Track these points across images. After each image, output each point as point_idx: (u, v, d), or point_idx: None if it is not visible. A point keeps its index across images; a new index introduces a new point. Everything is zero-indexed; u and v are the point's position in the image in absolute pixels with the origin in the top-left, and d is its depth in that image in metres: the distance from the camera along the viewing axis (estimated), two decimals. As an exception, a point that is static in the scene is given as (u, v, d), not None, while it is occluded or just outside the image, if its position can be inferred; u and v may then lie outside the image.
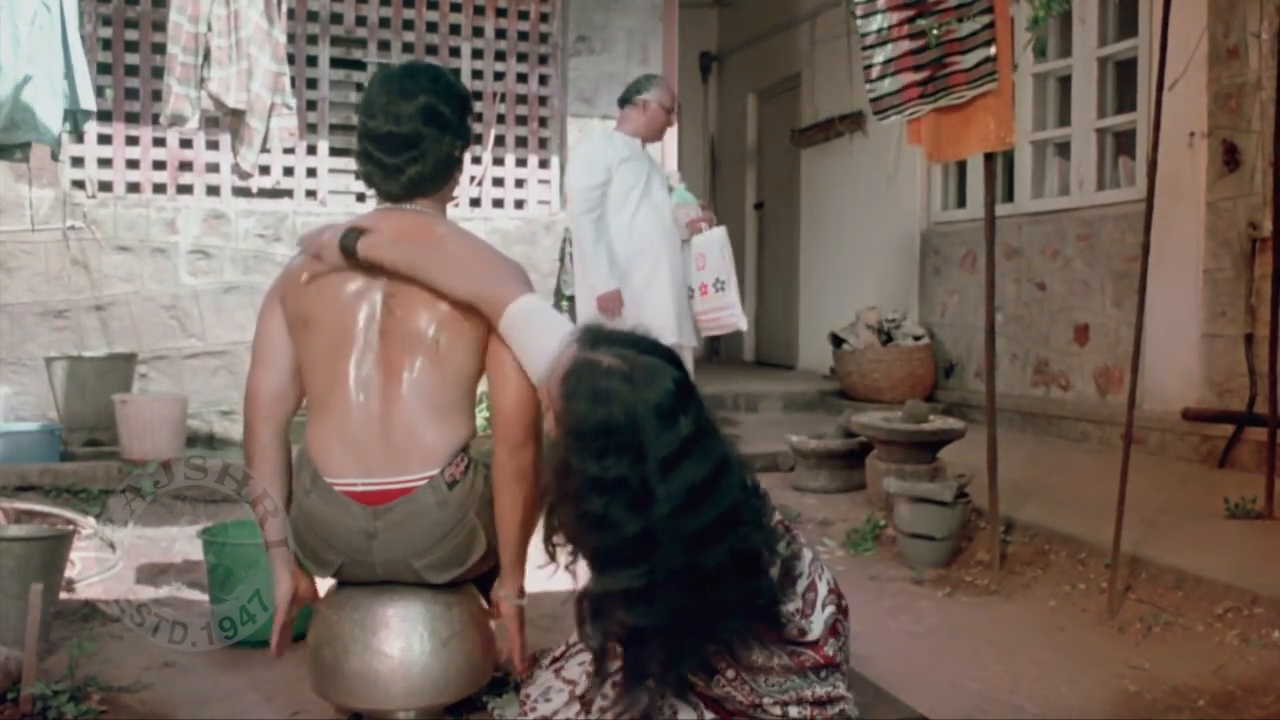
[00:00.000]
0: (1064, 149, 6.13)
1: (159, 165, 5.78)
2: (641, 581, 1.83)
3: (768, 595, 1.95)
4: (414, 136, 2.25)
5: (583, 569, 2.03)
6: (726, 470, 1.91)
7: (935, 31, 3.63)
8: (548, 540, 2.01)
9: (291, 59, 5.51)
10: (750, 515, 1.93)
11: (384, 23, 6.20)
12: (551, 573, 2.05)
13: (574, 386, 1.88)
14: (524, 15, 6.44)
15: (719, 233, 4.94)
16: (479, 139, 6.24)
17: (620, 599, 1.86)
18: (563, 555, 2.01)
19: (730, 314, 4.99)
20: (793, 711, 2.04)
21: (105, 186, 5.69)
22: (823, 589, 2.10)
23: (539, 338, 2.07)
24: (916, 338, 6.76)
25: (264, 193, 5.93)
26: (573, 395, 1.88)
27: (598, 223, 4.77)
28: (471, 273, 2.18)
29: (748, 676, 2.01)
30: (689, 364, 3.72)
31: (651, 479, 1.82)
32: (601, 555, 1.88)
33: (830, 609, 2.10)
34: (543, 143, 6.51)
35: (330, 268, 2.20)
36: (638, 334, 2.00)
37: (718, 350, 9.42)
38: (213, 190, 5.86)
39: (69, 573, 3.34)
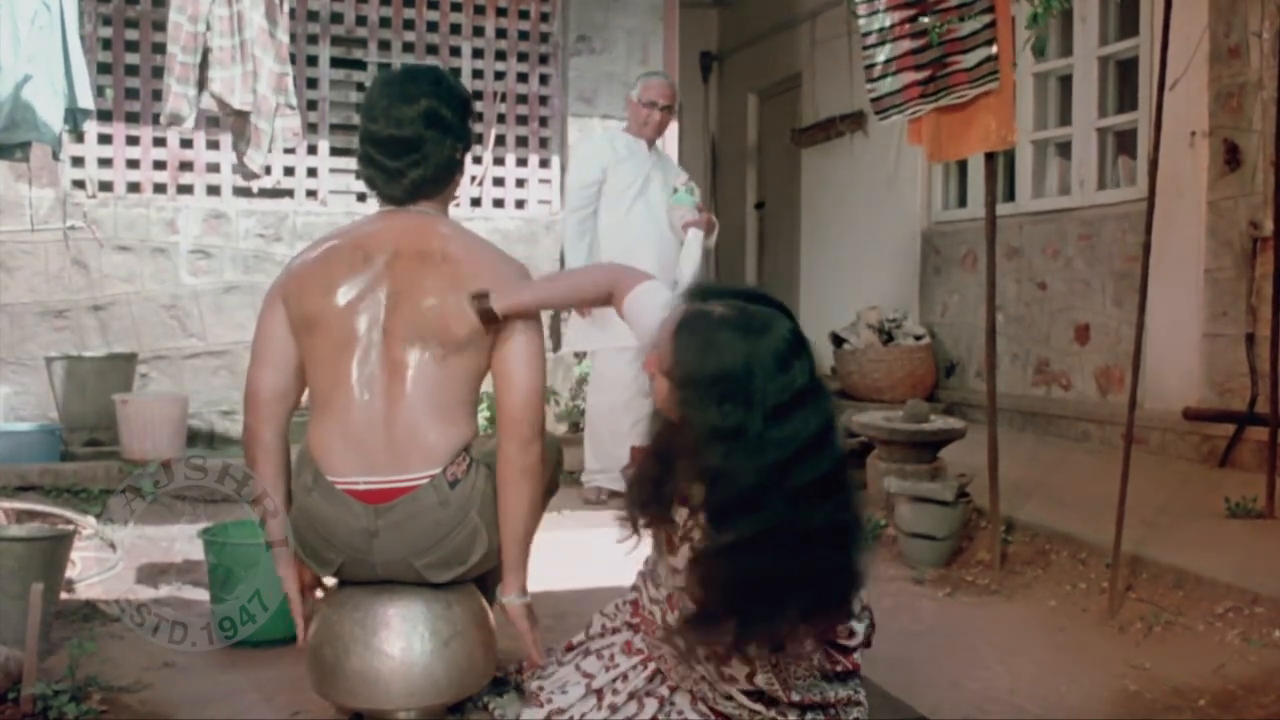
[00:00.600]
0: (1065, 148, 6.13)
1: (159, 165, 5.78)
2: (750, 534, 1.79)
3: (855, 573, 1.89)
4: (415, 140, 2.25)
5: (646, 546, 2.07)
6: (833, 430, 1.86)
7: (938, 29, 3.63)
8: (631, 515, 2.01)
9: (292, 59, 5.50)
10: (849, 483, 1.89)
11: (384, 22, 6.19)
12: (633, 547, 2.05)
13: (688, 338, 1.85)
14: (524, 15, 6.44)
15: (694, 236, 4.92)
16: (479, 139, 6.24)
17: (729, 551, 1.81)
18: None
19: None
20: (809, 717, 2.05)
21: (105, 186, 5.68)
22: (862, 597, 2.12)
23: (658, 313, 2.07)
24: (917, 337, 6.75)
25: (264, 192, 5.92)
26: (687, 346, 1.85)
27: (584, 222, 4.84)
28: (600, 269, 2.41)
29: (785, 661, 1.99)
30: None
31: (766, 426, 1.77)
32: (718, 509, 1.83)
33: (867, 619, 2.12)
34: (543, 142, 6.51)
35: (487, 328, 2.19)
36: (747, 287, 2.00)
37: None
38: (213, 190, 5.85)
39: (69, 573, 3.34)
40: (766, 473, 1.77)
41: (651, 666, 2.14)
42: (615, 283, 2.26)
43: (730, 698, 2.05)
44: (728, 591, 1.83)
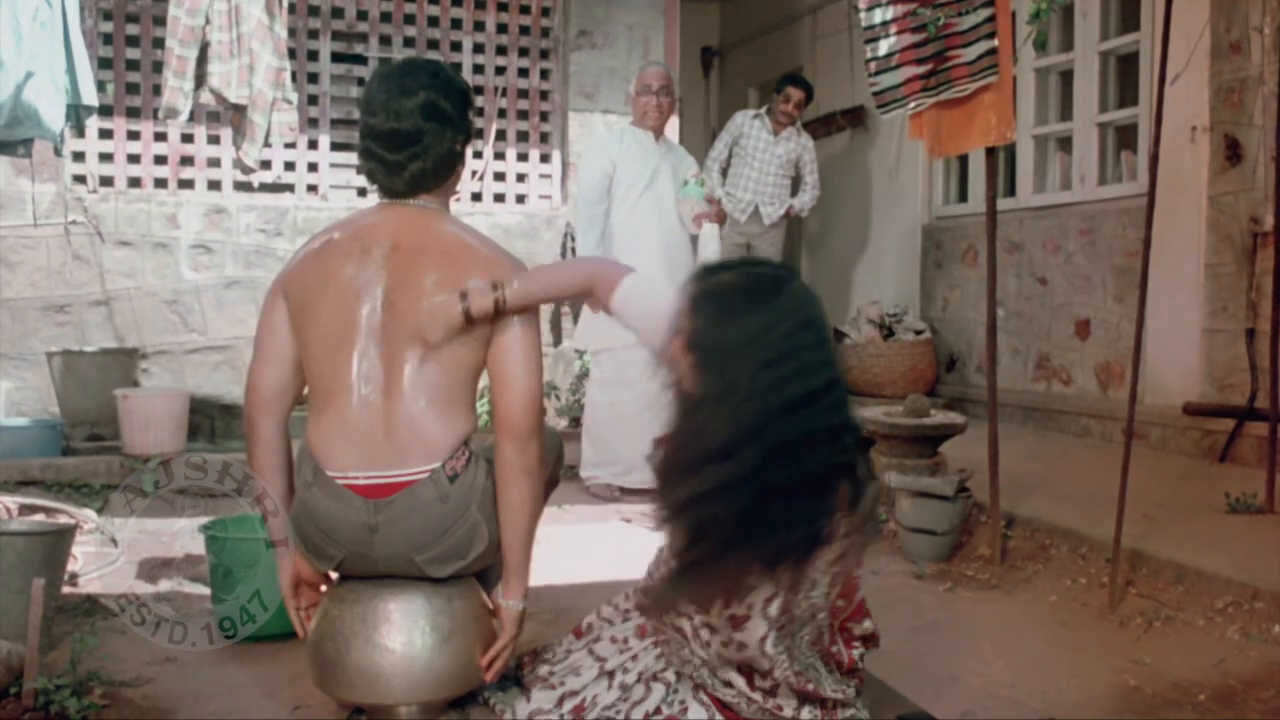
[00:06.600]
0: (1066, 143, 6.12)
1: (160, 160, 5.78)
2: (717, 480, 1.83)
3: (826, 521, 1.92)
4: (415, 133, 2.25)
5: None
6: (832, 389, 1.91)
7: (939, 21, 3.63)
8: (660, 509, 2.04)
9: (293, 54, 5.50)
10: (840, 439, 1.93)
11: (385, 17, 6.19)
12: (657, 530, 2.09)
13: (700, 309, 1.93)
14: (525, 9, 6.43)
15: (709, 229, 4.93)
16: (480, 134, 6.24)
17: (700, 498, 1.86)
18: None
19: None
20: (805, 714, 2.05)
21: (107, 181, 5.68)
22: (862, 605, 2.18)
23: (660, 302, 2.11)
24: (918, 332, 6.75)
25: (265, 187, 5.93)
26: (698, 315, 1.92)
27: (595, 215, 4.85)
28: (578, 263, 2.30)
29: (791, 632, 1.99)
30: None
31: (756, 380, 1.83)
32: (694, 462, 1.88)
33: (870, 622, 2.18)
34: (544, 137, 6.51)
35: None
36: (750, 257, 2.07)
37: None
38: (214, 185, 5.86)
39: (71, 567, 3.34)
40: (744, 424, 1.81)
41: (660, 649, 2.16)
42: (592, 277, 2.28)
43: (730, 685, 2.05)
44: (706, 525, 1.87)
